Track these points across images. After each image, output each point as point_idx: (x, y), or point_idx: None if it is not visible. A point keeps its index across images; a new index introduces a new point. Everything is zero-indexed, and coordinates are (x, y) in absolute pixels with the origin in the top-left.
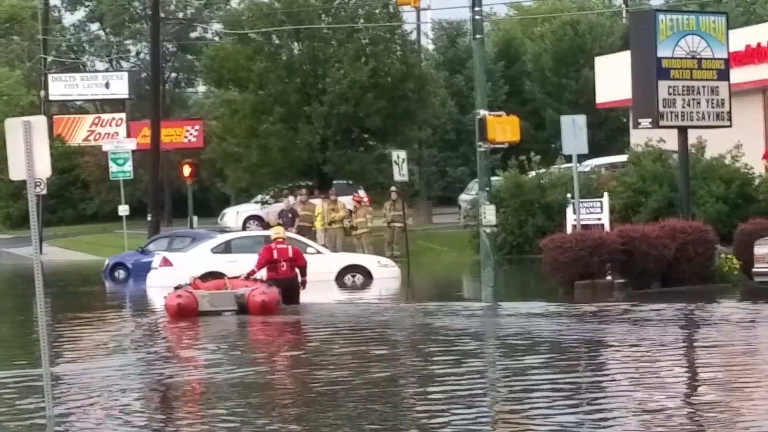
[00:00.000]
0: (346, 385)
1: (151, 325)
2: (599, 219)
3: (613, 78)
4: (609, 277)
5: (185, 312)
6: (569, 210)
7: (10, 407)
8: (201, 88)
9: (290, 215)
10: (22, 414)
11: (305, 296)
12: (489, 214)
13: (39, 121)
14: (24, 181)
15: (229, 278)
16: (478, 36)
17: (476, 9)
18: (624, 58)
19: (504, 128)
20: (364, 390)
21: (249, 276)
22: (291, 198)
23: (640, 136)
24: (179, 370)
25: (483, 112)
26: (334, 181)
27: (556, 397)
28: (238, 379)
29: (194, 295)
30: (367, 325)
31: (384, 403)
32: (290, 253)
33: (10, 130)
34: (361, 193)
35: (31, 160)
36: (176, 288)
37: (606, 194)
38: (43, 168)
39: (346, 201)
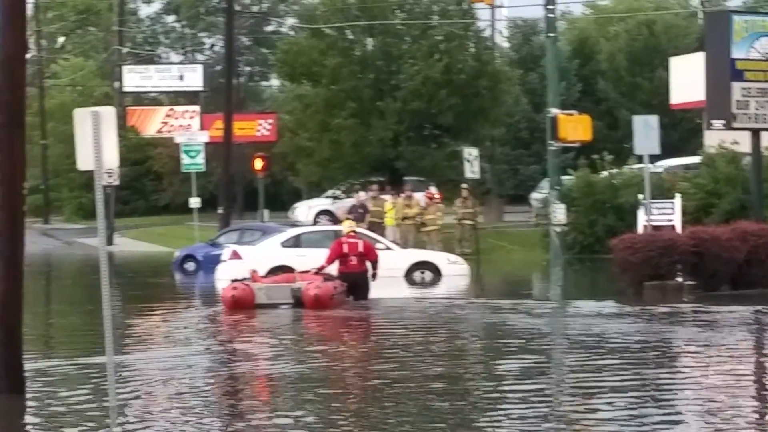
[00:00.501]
0: (405, 381)
1: (206, 318)
2: (671, 220)
3: (688, 79)
4: (679, 279)
5: (240, 304)
6: (641, 211)
7: (75, 395)
8: (275, 82)
9: (360, 210)
10: (84, 403)
11: (373, 291)
12: (559, 213)
13: (107, 112)
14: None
15: (299, 272)
16: (551, 34)
17: (549, 7)
18: (699, 59)
19: (575, 127)
20: (422, 386)
21: (319, 270)
22: (362, 193)
23: (713, 138)
24: (232, 362)
25: (555, 111)
26: (406, 178)
27: (622, 397)
28: (295, 373)
29: (251, 288)
30: (432, 321)
31: (443, 401)
32: (360, 248)
33: (79, 120)
34: (433, 189)
35: (99, 150)
36: (233, 281)
37: (678, 195)
38: (111, 158)
39: (419, 197)
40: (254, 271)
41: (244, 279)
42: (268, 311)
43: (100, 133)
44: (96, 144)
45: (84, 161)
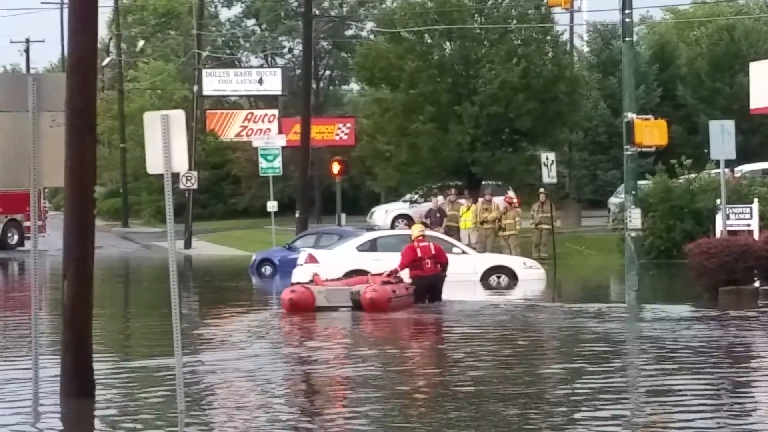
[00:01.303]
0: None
1: (263, 321)
2: (748, 225)
3: (767, 84)
4: (755, 284)
5: (297, 307)
6: (718, 216)
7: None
8: (355, 86)
9: (438, 215)
10: (154, 406)
11: (448, 295)
12: (634, 217)
13: (177, 115)
14: (175, 175)
15: (373, 275)
16: (627, 39)
17: (626, 11)
18: None
19: (652, 132)
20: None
21: (392, 274)
22: (440, 197)
23: None
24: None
25: (631, 116)
26: (484, 182)
27: (696, 402)
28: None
29: (311, 291)
30: (503, 324)
31: (508, 405)
32: (433, 250)
33: (149, 123)
34: (511, 194)
35: (169, 154)
36: (293, 284)
37: (756, 200)
38: (181, 162)
39: (498, 202)
40: (316, 274)
41: (306, 282)
42: (326, 314)
43: (170, 136)
44: (165, 147)
45: (153, 165)
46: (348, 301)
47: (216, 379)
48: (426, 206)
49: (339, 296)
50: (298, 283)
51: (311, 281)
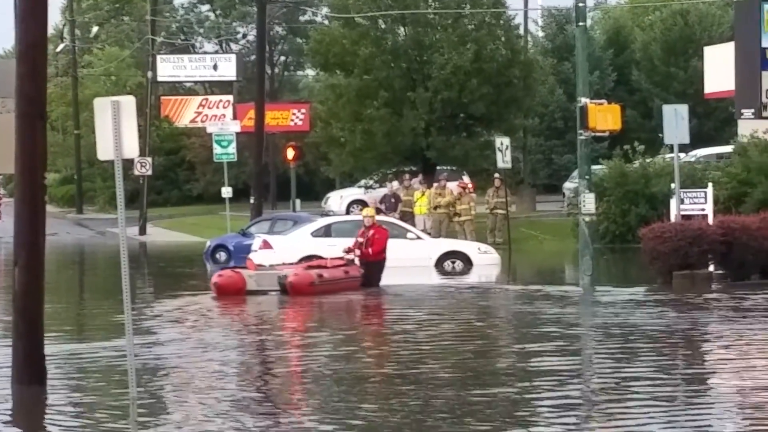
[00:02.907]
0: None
1: (187, 305)
2: (703, 209)
3: (721, 68)
4: (709, 269)
5: (226, 290)
6: (673, 200)
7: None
8: (310, 72)
9: (393, 200)
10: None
11: (401, 279)
12: (589, 202)
13: (127, 101)
14: (130, 161)
15: (330, 259)
16: (581, 23)
17: None
18: (732, 48)
19: (605, 116)
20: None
21: (348, 252)
22: (395, 183)
23: (747, 127)
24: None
25: (585, 100)
26: (438, 167)
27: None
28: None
29: (240, 275)
30: (446, 307)
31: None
32: (372, 237)
33: (100, 109)
34: (466, 179)
35: (120, 140)
36: (222, 269)
37: (710, 185)
38: (131, 148)
39: (452, 187)
40: (249, 259)
41: (237, 267)
42: (253, 297)
43: (121, 122)
44: (116, 133)
45: (104, 151)
46: (276, 285)
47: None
48: (381, 192)
49: (268, 280)
50: (226, 268)
51: (271, 265)
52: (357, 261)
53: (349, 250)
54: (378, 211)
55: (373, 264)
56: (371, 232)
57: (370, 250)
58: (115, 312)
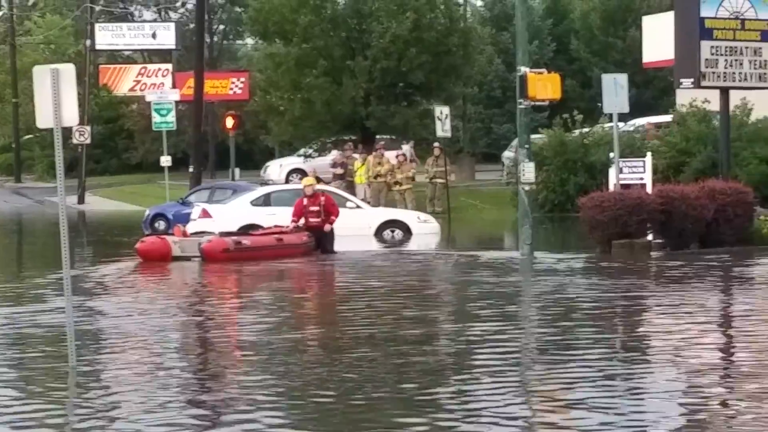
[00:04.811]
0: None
1: (114, 271)
2: (641, 179)
3: (660, 38)
4: (649, 237)
5: (151, 256)
6: (612, 169)
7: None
8: (250, 41)
9: (341, 170)
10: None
11: (340, 248)
12: (528, 171)
13: (67, 69)
14: (68, 130)
15: (275, 227)
16: None
17: None
18: (671, 18)
19: (545, 85)
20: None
21: (293, 225)
22: (335, 152)
23: (685, 97)
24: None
25: (524, 69)
26: (378, 136)
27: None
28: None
29: (166, 241)
30: (379, 273)
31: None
32: (321, 204)
33: (39, 77)
34: (405, 148)
35: (59, 108)
36: (147, 235)
37: (649, 154)
38: (71, 116)
39: (390, 156)
40: (178, 226)
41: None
42: (178, 264)
43: (60, 90)
44: (55, 102)
45: (44, 119)
46: (197, 251)
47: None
48: (320, 161)
49: (191, 247)
50: (151, 234)
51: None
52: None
53: (303, 222)
54: (317, 180)
55: (326, 232)
56: (323, 199)
57: (332, 217)
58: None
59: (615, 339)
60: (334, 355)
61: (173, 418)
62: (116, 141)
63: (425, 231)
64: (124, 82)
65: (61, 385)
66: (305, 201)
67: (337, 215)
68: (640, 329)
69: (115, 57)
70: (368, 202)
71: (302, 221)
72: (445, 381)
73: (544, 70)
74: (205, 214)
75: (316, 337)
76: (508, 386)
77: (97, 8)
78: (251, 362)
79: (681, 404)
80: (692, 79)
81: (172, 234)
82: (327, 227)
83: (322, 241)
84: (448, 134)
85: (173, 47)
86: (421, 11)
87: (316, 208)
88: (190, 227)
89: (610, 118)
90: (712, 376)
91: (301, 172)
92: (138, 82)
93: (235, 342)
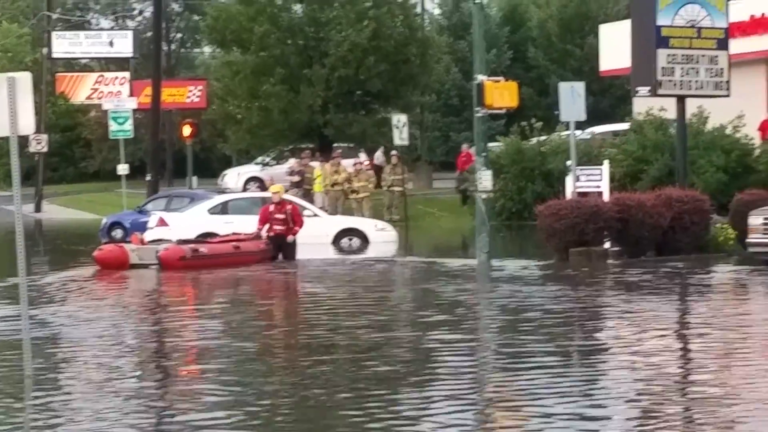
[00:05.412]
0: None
1: (67, 279)
2: (598, 187)
3: (617, 46)
4: (606, 245)
5: (107, 264)
6: (569, 177)
7: None
8: (207, 49)
9: (298, 178)
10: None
11: (298, 256)
12: (485, 179)
13: (23, 78)
14: (25, 138)
15: (233, 234)
16: (477, 1)
17: None
18: (628, 26)
19: (502, 94)
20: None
21: (256, 234)
22: (292, 160)
23: (642, 105)
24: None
25: (481, 77)
26: (335, 144)
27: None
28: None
29: (123, 249)
30: (335, 281)
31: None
32: (286, 212)
33: None
34: (362, 156)
35: (15, 117)
36: (105, 243)
37: (606, 162)
38: (27, 125)
39: (348, 164)
40: (135, 234)
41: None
42: (135, 271)
43: (16, 99)
44: (12, 110)
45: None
46: (155, 259)
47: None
48: (277, 168)
49: (148, 255)
50: (108, 242)
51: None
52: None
53: (267, 229)
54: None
55: (283, 238)
56: (289, 207)
57: (296, 227)
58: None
59: (569, 346)
60: (281, 363)
61: (121, 424)
62: (73, 149)
63: (383, 239)
64: (81, 90)
65: (17, 392)
66: (272, 208)
67: (301, 226)
68: (595, 336)
69: (72, 65)
70: (326, 211)
71: (267, 228)
72: (397, 388)
73: (501, 78)
74: (162, 222)
75: (267, 344)
76: (458, 393)
77: (54, 16)
78: (202, 369)
79: (636, 409)
80: (649, 88)
81: (130, 242)
82: (290, 238)
83: (283, 248)
84: (406, 142)
85: (130, 55)
86: (381, 20)
87: (282, 216)
88: (148, 235)
89: (568, 126)
90: (665, 381)
91: (259, 181)
92: (95, 90)
93: (186, 349)
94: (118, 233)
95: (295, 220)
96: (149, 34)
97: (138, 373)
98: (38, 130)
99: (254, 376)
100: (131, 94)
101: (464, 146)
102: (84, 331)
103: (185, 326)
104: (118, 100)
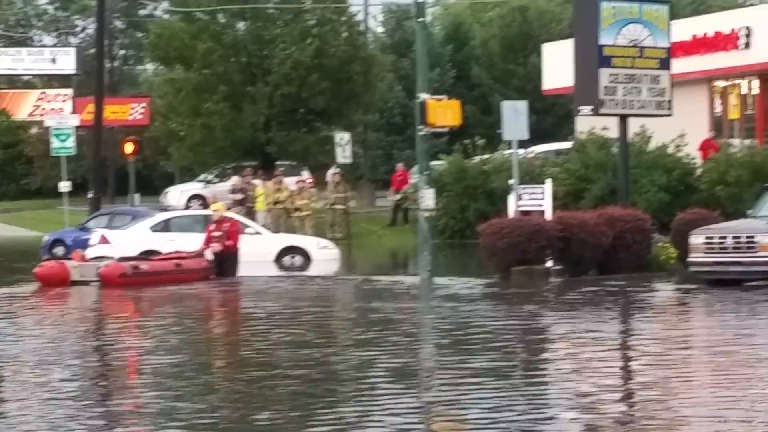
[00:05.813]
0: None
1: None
2: (541, 205)
3: (559, 65)
4: (548, 264)
5: (48, 280)
6: (511, 196)
7: None
8: (150, 66)
9: (240, 195)
10: None
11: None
12: (427, 198)
13: None
14: None
15: (175, 252)
16: (420, 19)
17: None
18: (571, 45)
19: (445, 112)
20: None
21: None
22: (234, 177)
23: (585, 124)
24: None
25: (424, 96)
26: (278, 162)
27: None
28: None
29: (64, 266)
30: (275, 299)
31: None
32: (223, 230)
33: None
34: (305, 174)
35: None
36: (46, 260)
37: (549, 181)
38: None
39: (290, 182)
40: (76, 251)
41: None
42: (77, 288)
43: None
44: None
45: None
46: (96, 276)
47: None
48: (220, 186)
49: (89, 271)
50: (49, 259)
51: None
52: (210, 255)
53: (207, 245)
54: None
55: (228, 256)
56: (227, 225)
57: (231, 243)
58: None
59: (509, 365)
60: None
61: None
62: (15, 166)
63: (325, 257)
64: (23, 107)
65: None
66: (212, 226)
67: (235, 242)
68: (536, 355)
69: (15, 82)
70: (269, 228)
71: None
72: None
73: (444, 96)
74: (104, 240)
75: (202, 361)
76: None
77: None
78: (138, 385)
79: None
80: (591, 107)
81: (71, 259)
82: (209, 249)
83: (224, 265)
84: (349, 160)
85: (73, 72)
86: (325, 38)
87: (219, 234)
88: (89, 253)
89: (510, 144)
90: (604, 398)
91: (201, 198)
92: (37, 107)
93: (122, 365)
94: (59, 250)
95: (229, 236)
96: (92, 50)
97: (76, 388)
98: None
99: (188, 392)
100: (74, 111)
101: (399, 165)
102: (21, 346)
103: (120, 343)
104: (60, 117)
